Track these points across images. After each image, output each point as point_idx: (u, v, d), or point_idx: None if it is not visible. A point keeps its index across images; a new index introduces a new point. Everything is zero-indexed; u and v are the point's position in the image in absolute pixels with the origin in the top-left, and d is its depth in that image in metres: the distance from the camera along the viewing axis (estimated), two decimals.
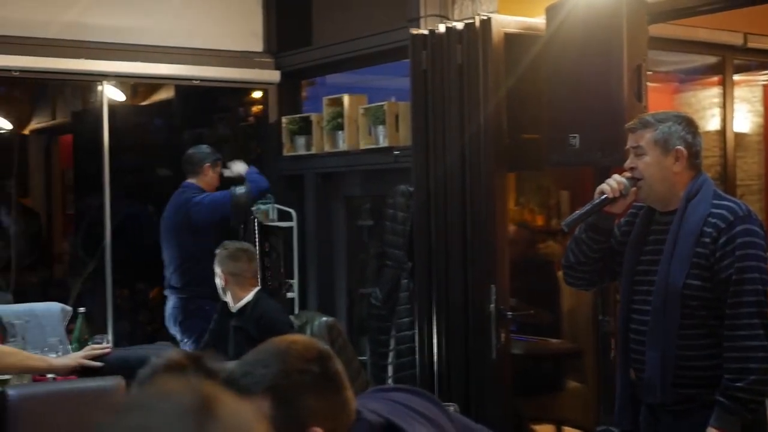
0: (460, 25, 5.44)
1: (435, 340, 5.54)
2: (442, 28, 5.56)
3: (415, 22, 5.99)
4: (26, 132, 10.21)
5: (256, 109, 8.53)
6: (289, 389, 1.85)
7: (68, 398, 3.65)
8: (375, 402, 2.07)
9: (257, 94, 8.35)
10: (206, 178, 6.75)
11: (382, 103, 6.56)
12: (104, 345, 4.46)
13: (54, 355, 4.73)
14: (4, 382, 4.24)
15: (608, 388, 4.37)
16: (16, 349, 4.28)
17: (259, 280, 5.80)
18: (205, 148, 6.91)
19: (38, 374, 4.19)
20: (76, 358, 4.19)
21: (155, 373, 1.19)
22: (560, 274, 4.25)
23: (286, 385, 1.86)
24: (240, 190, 6.56)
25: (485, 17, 5.25)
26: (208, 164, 6.76)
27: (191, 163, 6.74)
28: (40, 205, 9.97)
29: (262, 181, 6.71)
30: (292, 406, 1.84)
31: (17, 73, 6.73)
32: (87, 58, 6.85)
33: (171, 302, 6.57)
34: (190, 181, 6.72)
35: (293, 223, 7.33)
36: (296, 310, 7.03)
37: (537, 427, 6.19)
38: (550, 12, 4.84)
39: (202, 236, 6.39)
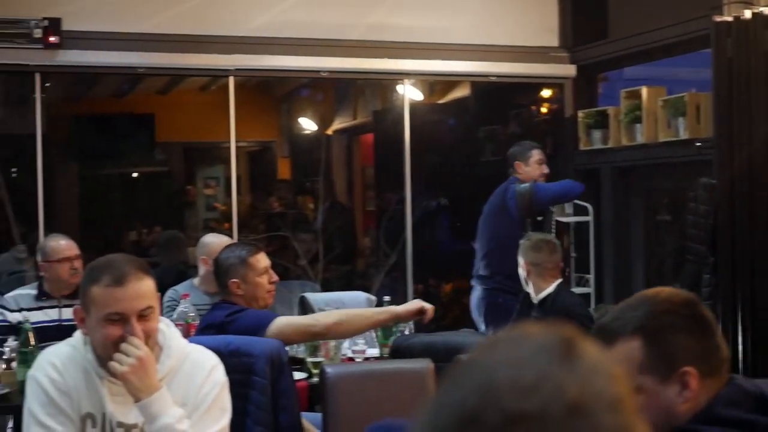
0: (767, 11, 5.24)
1: (740, 339, 5.36)
2: (747, 14, 5.38)
3: (719, 9, 5.82)
4: (329, 132, 10.75)
5: (550, 104, 8.55)
6: (659, 329, 1.89)
7: (380, 377, 3.85)
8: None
9: (551, 90, 8.38)
10: (526, 171, 6.61)
11: (683, 94, 6.41)
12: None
13: (362, 341, 5.00)
14: (317, 364, 4.55)
15: None
16: (360, 309, 4.54)
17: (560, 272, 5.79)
18: (525, 143, 6.80)
19: (387, 325, 4.39)
20: (414, 303, 4.36)
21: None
22: None
23: (655, 325, 1.89)
24: (524, 186, 6.49)
25: None
26: (519, 161, 6.63)
27: (512, 156, 6.69)
28: (342, 202, 10.46)
29: (574, 187, 6.69)
30: (662, 345, 1.87)
31: (326, 74, 7.12)
32: (390, 57, 7.13)
33: (477, 292, 6.65)
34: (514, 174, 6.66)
35: (589, 218, 7.30)
36: (593, 305, 7.00)
37: None
38: None
39: (512, 226, 6.38)
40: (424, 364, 3.79)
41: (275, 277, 4.45)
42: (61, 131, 9.47)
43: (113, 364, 2.68)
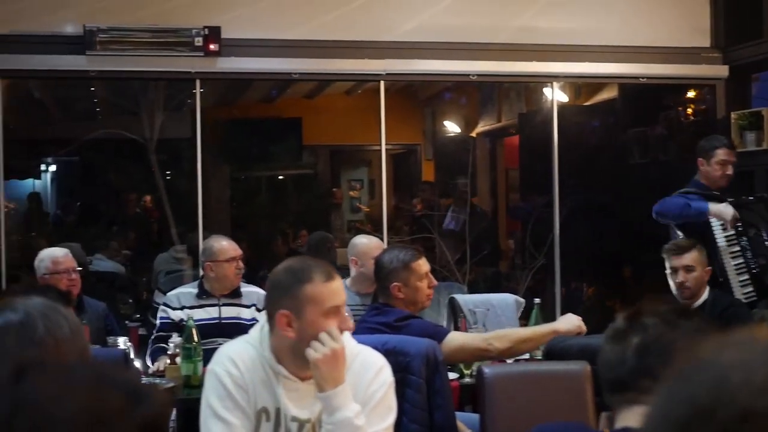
0: None
1: None
2: None
3: None
4: (473, 134, 10.79)
5: (700, 105, 8.40)
6: None
7: (537, 379, 3.88)
8: None
9: (701, 91, 8.22)
10: (706, 171, 6.05)
11: None
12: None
13: None
14: (468, 365, 4.62)
15: None
16: (529, 331, 4.57)
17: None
18: (713, 138, 6.22)
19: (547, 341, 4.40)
20: (573, 321, 4.39)
21: None
22: None
23: None
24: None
25: None
26: (702, 158, 6.06)
27: (697, 151, 6.14)
28: (487, 204, 10.49)
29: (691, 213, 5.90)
30: None
31: (475, 77, 7.17)
32: (538, 60, 7.14)
33: None
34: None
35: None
36: None
37: None
38: None
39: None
40: (581, 366, 3.81)
41: (434, 282, 4.53)
42: (214, 135, 9.78)
43: (309, 351, 2.80)
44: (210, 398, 2.87)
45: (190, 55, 6.54)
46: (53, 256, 5.43)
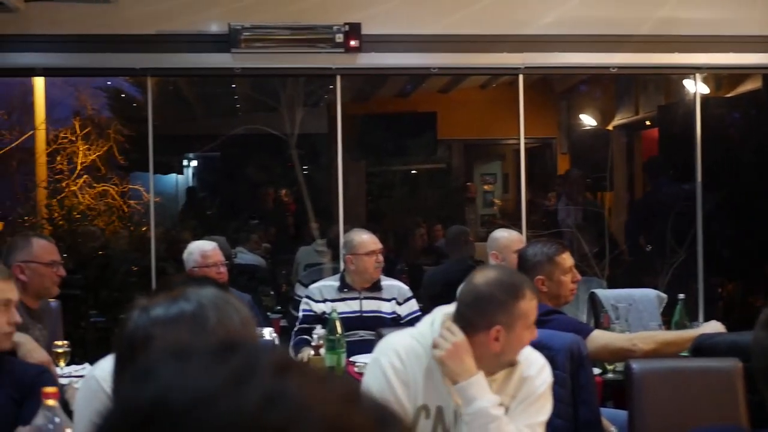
0: None
1: None
2: None
3: None
4: (610, 128, 10.64)
5: None
6: None
7: (686, 376, 3.81)
8: None
9: None
10: None
11: None
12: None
13: None
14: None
15: None
16: (674, 335, 4.51)
17: None
18: None
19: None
20: (716, 325, 4.33)
21: None
22: None
23: None
24: None
25: None
26: None
27: None
28: (624, 197, 10.33)
29: None
30: None
31: (615, 70, 7.07)
32: (680, 52, 6.99)
33: None
34: None
35: None
36: None
37: None
38: None
39: None
40: (732, 363, 3.72)
41: (578, 276, 4.50)
42: (350, 130, 9.90)
43: (433, 351, 2.86)
44: (371, 387, 2.91)
45: (331, 52, 6.63)
46: (202, 249, 5.57)
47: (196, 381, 0.79)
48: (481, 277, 2.94)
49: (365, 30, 6.67)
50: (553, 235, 8.21)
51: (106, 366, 2.72)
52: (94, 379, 2.67)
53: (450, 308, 2.97)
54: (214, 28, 6.67)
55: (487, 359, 2.88)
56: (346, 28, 6.63)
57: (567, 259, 4.40)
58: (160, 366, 0.82)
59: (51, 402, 2.41)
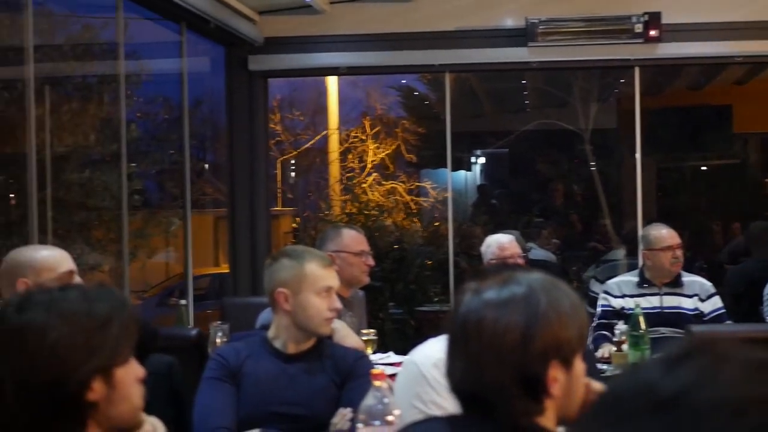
0: None
1: None
2: None
3: None
4: None
5: None
6: None
7: None
8: None
9: None
10: None
11: None
12: None
13: None
14: None
15: None
16: None
17: None
18: None
19: None
20: None
21: None
22: None
23: None
24: None
25: None
26: None
27: None
28: None
29: None
30: None
31: None
32: None
33: None
34: None
35: None
36: None
37: None
38: None
39: None
40: None
41: None
42: (641, 124, 9.68)
43: None
44: None
45: (629, 43, 6.49)
46: (499, 242, 5.59)
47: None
48: None
49: (665, 19, 6.48)
50: None
51: (424, 350, 2.78)
52: (413, 363, 2.74)
53: None
54: (510, 22, 6.69)
55: None
56: (646, 17, 6.45)
57: None
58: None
59: (379, 383, 2.47)
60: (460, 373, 1.76)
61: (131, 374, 1.76)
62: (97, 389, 1.69)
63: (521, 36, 6.56)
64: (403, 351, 4.27)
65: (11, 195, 8.71)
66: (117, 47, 6.29)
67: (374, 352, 4.74)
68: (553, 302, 1.76)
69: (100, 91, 9.63)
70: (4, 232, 8.32)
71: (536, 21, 6.51)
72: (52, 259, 3.21)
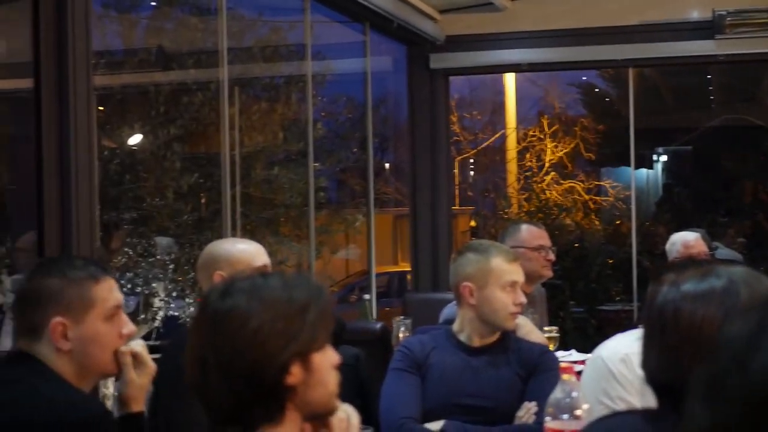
0: None
1: None
2: None
3: None
4: None
5: None
6: None
7: None
8: None
9: None
10: None
11: None
12: None
13: None
14: None
15: None
16: None
17: None
18: None
19: None
20: None
21: None
22: None
23: None
24: None
25: None
26: None
27: None
28: None
29: None
30: None
31: None
32: None
33: None
34: None
35: None
36: None
37: None
38: None
39: None
40: None
41: None
42: None
43: None
44: None
45: None
46: (685, 239, 5.49)
47: None
48: None
49: None
50: None
51: (611, 345, 2.76)
52: (600, 359, 2.72)
53: None
54: (697, 14, 6.53)
55: None
56: None
57: None
58: None
59: (568, 377, 2.47)
60: (656, 364, 1.74)
61: (327, 360, 1.80)
62: (295, 374, 1.73)
63: (708, 29, 6.40)
64: (584, 350, 4.24)
65: (201, 193, 9.05)
66: (304, 48, 6.46)
67: (556, 350, 4.71)
68: (754, 295, 1.72)
69: (287, 92, 9.90)
70: (197, 227, 8.67)
71: (724, 13, 6.33)
72: (247, 252, 3.31)
